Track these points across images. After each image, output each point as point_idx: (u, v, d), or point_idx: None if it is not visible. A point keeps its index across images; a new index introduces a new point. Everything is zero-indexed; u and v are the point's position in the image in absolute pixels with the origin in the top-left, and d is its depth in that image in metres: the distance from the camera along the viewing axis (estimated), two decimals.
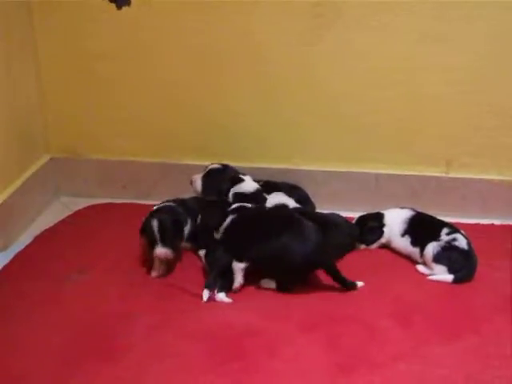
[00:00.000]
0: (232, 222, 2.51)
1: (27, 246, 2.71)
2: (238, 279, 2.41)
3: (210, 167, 2.83)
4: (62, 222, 2.90)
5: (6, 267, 2.56)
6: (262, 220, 2.51)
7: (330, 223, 2.64)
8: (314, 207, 2.89)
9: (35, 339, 2.16)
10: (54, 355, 2.09)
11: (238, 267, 2.41)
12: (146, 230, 2.54)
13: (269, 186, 2.81)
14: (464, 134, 2.87)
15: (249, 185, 2.72)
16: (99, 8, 2.83)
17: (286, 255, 2.35)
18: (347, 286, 2.39)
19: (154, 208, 2.63)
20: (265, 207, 2.68)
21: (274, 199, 2.76)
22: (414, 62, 2.80)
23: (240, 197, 2.66)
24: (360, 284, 2.41)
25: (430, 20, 2.73)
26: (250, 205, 2.59)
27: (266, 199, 2.73)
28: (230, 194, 2.70)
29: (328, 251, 2.42)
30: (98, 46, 2.93)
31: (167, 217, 2.55)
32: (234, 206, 2.59)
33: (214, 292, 2.37)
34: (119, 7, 2.78)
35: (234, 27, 2.84)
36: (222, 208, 2.59)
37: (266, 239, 2.38)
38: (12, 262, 2.60)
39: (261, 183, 2.78)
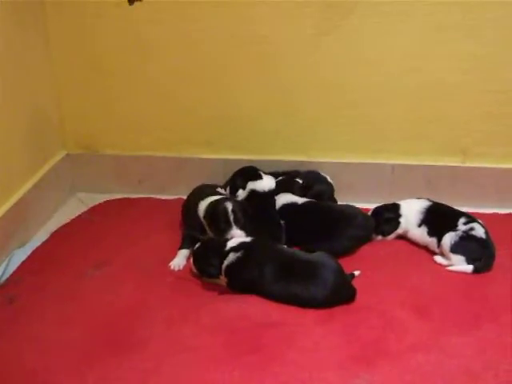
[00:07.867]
0: (237, 260, 2.34)
1: (44, 242, 2.72)
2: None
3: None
4: (79, 217, 2.92)
5: (23, 263, 2.57)
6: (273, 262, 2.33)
7: (345, 215, 2.63)
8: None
9: (53, 334, 2.17)
10: (71, 349, 2.10)
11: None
12: (215, 214, 2.52)
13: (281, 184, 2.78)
14: (480, 123, 2.85)
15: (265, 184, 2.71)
16: (111, 3, 2.83)
17: (298, 302, 2.26)
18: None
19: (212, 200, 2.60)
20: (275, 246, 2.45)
21: (281, 199, 2.73)
22: (428, 51, 2.77)
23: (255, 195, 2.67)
24: (357, 273, 2.40)
25: (445, 8, 2.69)
26: (249, 239, 2.43)
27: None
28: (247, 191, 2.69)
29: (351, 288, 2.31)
30: (111, 42, 2.94)
31: (237, 202, 2.57)
32: (233, 243, 2.40)
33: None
34: (131, 2, 2.78)
35: (240, 18, 2.81)
36: None
37: (277, 284, 2.29)
38: (30, 258, 2.61)
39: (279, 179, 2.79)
